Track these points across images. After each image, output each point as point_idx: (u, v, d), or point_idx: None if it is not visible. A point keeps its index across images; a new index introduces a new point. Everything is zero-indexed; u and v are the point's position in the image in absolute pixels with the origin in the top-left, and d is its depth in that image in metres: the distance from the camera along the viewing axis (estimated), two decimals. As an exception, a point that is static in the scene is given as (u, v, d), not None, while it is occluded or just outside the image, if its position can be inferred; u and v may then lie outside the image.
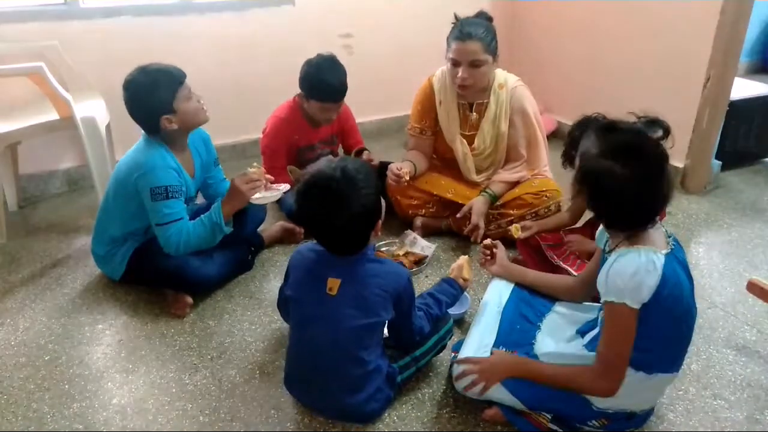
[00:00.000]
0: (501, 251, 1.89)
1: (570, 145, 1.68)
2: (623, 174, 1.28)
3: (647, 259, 1.30)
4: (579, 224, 2.23)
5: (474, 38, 2.21)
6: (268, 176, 2.14)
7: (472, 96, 2.39)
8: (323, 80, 2.43)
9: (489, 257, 1.91)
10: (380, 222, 1.54)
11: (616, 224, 1.39)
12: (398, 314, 1.53)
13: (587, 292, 1.68)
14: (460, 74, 2.27)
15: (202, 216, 2.03)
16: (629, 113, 1.39)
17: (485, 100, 2.39)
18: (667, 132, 1.34)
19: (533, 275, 1.85)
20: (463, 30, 2.23)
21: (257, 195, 2.08)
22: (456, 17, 2.31)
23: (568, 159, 1.76)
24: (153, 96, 1.93)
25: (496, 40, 2.29)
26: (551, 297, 1.79)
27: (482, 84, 2.33)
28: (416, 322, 1.60)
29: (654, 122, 1.35)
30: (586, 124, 1.54)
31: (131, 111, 1.97)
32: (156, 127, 1.97)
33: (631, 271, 1.29)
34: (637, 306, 1.30)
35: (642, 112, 1.38)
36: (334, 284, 1.48)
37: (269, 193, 2.13)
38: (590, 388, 1.41)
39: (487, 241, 1.91)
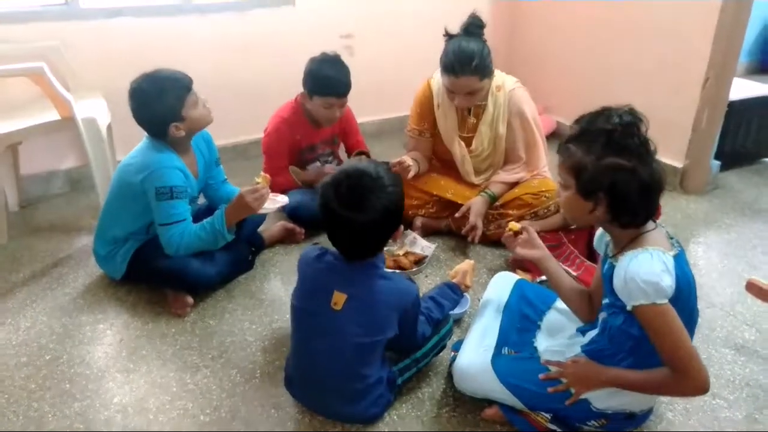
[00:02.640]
0: (532, 233, 1.68)
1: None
2: (630, 164, 1.27)
3: (659, 258, 1.29)
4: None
5: (466, 74, 2.17)
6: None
7: None
8: (326, 75, 2.43)
9: (514, 239, 1.69)
10: (401, 227, 1.52)
11: (637, 219, 1.35)
12: (403, 327, 1.52)
13: (591, 310, 1.61)
14: (456, 101, 2.28)
15: (204, 221, 2.03)
16: (603, 108, 1.35)
17: (483, 103, 2.38)
18: (638, 119, 1.31)
19: (559, 274, 1.64)
20: (455, 65, 2.16)
21: (266, 205, 2.08)
22: (446, 32, 2.24)
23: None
24: (161, 104, 1.92)
25: (491, 58, 2.23)
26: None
27: (478, 101, 2.34)
28: (419, 328, 1.60)
29: (628, 112, 1.31)
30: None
31: (138, 119, 1.97)
32: (163, 133, 1.98)
33: (648, 270, 1.27)
34: (666, 300, 1.26)
35: (613, 105, 1.34)
36: (339, 299, 1.46)
37: (270, 204, 2.14)
38: (682, 392, 1.39)
39: (516, 225, 1.71)
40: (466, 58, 2.16)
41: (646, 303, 1.27)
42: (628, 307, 1.31)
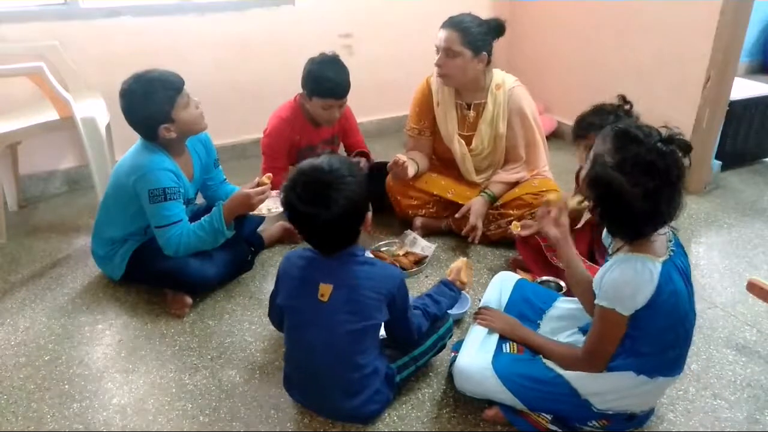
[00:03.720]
0: (564, 216, 1.64)
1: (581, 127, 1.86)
2: (633, 192, 1.26)
3: (644, 268, 1.30)
4: (579, 225, 2.23)
5: (453, 28, 2.23)
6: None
7: (469, 96, 2.39)
8: (325, 76, 2.42)
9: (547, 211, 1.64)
10: (369, 215, 1.53)
11: (617, 233, 1.38)
12: (393, 314, 1.53)
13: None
14: (437, 60, 2.29)
15: (202, 219, 2.02)
16: (648, 126, 1.32)
17: (482, 101, 2.38)
18: (686, 150, 1.29)
19: (576, 262, 1.61)
20: (450, 18, 2.26)
21: (269, 207, 2.08)
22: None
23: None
24: (150, 105, 1.91)
25: (485, 40, 2.25)
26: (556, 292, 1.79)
27: (459, 77, 2.31)
28: (413, 320, 1.59)
29: (673, 139, 1.28)
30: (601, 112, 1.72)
31: (128, 120, 1.96)
32: (154, 135, 1.96)
33: (626, 280, 1.31)
34: (627, 313, 1.33)
35: (664, 124, 1.32)
36: (326, 290, 1.48)
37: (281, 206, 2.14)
38: (576, 368, 1.46)
39: (555, 198, 1.69)
40: (458, 18, 2.25)
41: (608, 307, 1.35)
42: (595, 300, 1.38)
